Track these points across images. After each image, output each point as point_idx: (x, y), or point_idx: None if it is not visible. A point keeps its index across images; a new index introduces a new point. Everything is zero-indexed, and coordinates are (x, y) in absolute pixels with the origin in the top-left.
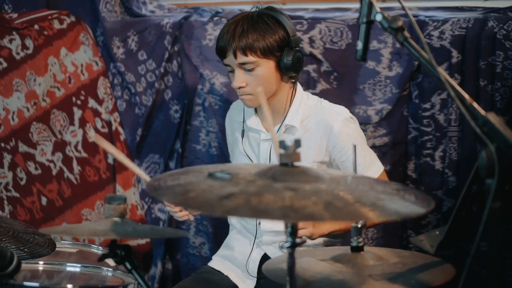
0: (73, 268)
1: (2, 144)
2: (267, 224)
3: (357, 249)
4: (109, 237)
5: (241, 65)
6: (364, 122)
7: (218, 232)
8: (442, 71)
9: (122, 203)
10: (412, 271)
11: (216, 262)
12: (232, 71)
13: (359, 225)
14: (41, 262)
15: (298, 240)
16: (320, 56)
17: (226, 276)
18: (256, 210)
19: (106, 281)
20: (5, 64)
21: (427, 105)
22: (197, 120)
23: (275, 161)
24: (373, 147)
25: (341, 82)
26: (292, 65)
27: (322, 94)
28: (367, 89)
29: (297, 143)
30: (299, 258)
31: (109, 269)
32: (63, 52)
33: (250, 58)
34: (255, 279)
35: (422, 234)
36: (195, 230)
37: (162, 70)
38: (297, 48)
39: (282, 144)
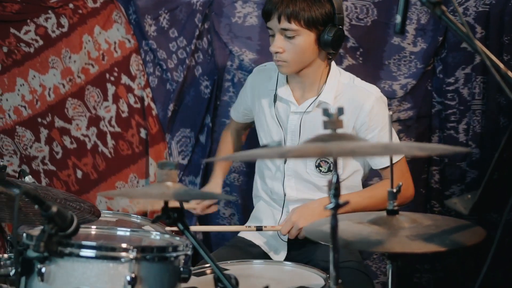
0: (124, 232)
1: (39, 119)
2: (292, 193)
3: (393, 212)
4: (163, 199)
5: (283, 30)
6: (389, 97)
7: (246, 204)
8: (478, 42)
9: (174, 169)
10: (445, 232)
11: (247, 233)
12: (273, 35)
13: (394, 190)
14: (93, 227)
15: (341, 202)
16: (346, 33)
17: (258, 245)
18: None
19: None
20: (41, 42)
21: (451, 80)
22: (227, 96)
23: (304, 135)
24: (398, 121)
25: (366, 58)
26: (332, 42)
27: (348, 70)
28: (392, 64)
29: (340, 111)
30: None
31: (157, 233)
32: (96, 30)
33: (293, 25)
34: (286, 248)
35: (455, 197)
36: (224, 202)
37: (192, 47)
38: (340, 27)
39: (326, 112)
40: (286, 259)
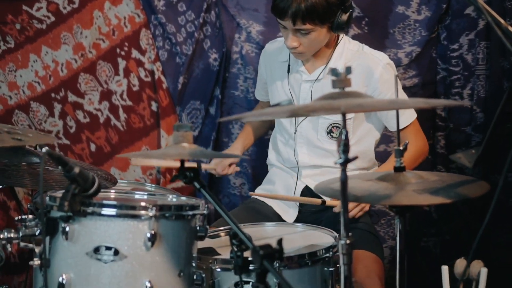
0: (141, 195)
1: (53, 95)
2: (304, 160)
3: (400, 169)
4: (180, 158)
5: (297, 30)
6: (394, 65)
7: (256, 173)
8: (480, 0)
9: (189, 130)
10: (451, 186)
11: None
12: (285, 28)
13: (401, 148)
14: (111, 191)
15: (350, 157)
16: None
17: (270, 206)
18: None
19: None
20: (53, 19)
21: (455, 46)
22: (235, 68)
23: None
24: (404, 88)
25: (372, 27)
26: (344, 26)
27: (354, 39)
28: (397, 33)
29: (348, 70)
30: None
31: (174, 195)
32: (107, 6)
33: (308, 26)
34: (297, 209)
35: (460, 152)
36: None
37: (201, 20)
38: (350, 10)
39: (334, 71)
40: (297, 219)
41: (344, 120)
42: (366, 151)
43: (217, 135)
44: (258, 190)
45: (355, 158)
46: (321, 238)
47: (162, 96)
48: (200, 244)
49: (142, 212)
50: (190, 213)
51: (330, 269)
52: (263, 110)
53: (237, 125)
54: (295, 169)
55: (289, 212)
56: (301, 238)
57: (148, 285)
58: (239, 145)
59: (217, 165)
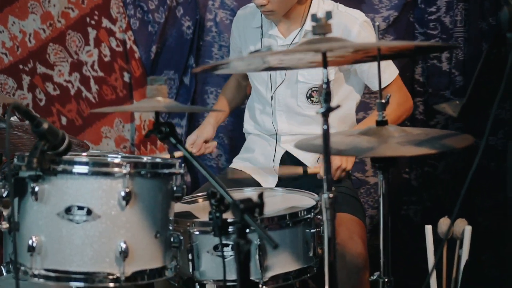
0: (115, 158)
1: (21, 66)
2: (284, 128)
3: (382, 123)
4: (156, 110)
5: None
6: None
7: (233, 144)
8: None
9: (163, 83)
10: (435, 138)
11: (237, 164)
12: None
13: (383, 101)
14: (83, 154)
15: (333, 105)
16: None
17: (249, 174)
18: None
19: None
20: None
21: (433, 9)
22: (209, 36)
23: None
24: None
25: None
26: None
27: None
28: None
29: (328, 15)
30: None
31: (149, 157)
32: None
33: None
34: (277, 176)
35: (444, 103)
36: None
37: None
38: None
39: (314, 17)
40: (277, 186)
41: (325, 61)
42: (347, 115)
43: (192, 104)
44: (236, 160)
45: (338, 106)
46: (301, 200)
47: (134, 66)
48: (177, 209)
49: (116, 169)
50: (166, 171)
51: (312, 230)
52: (238, 58)
53: (212, 95)
54: (274, 136)
55: (268, 180)
56: (281, 201)
57: (123, 246)
58: (212, 119)
59: (190, 145)
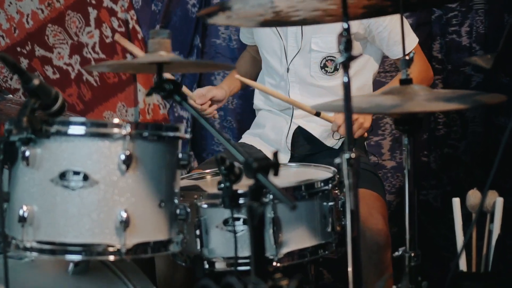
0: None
1: (18, 49)
2: (297, 100)
3: (407, 82)
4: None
5: None
6: None
7: (242, 127)
8: None
9: (166, 37)
10: (465, 96)
11: (247, 139)
12: None
13: (407, 58)
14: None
15: (355, 53)
16: None
17: (259, 150)
18: None
19: None
20: None
21: None
22: None
23: (307, 36)
24: None
25: None
26: None
27: None
28: None
29: None
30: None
31: None
32: None
33: None
34: (289, 153)
35: (475, 56)
36: (219, 127)
37: None
38: None
39: None
40: None
41: (345, 4)
42: (365, 85)
43: (198, 87)
44: (246, 135)
45: (360, 55)
46: (317, 174)
47: (138, 46)
48: (183, 184)
49: (115, 130)
50: (171, 134)
51: (330, 203)
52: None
53: (220, 76)
54: (287, 111)
55: (280, 157)
56: (296, 175)
57: (124, 215)
58: (225, 85)
59: (197, 96)
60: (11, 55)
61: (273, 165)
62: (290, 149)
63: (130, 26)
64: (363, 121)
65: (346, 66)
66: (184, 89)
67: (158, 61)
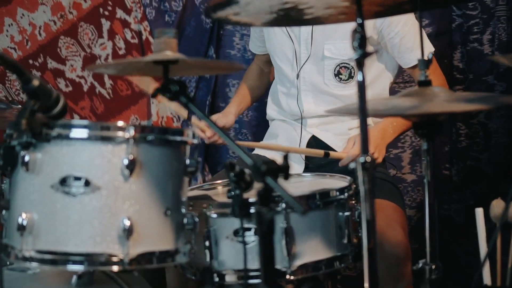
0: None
1: (31, 61)
2: (310, 109)
3: (425, 84)
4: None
5: None
6: None
7: (257, 139)
8: None
9: (172, 36)
10: (487, 97)
11: (260, 150)
12: None
13: (426, 58)
14: None
15: (370, 49)
16: None
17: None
18: None
19: None
20: None
21: None
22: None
23: (316, 42)
24: None
25: None
26: None
27: None
28: None
29: None
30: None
31: None
32: None
33: None
34: (303, 163)
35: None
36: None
37: None
38: None
39: None
40: None
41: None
42: (380, 94)
43: (212, 99)
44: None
45: (376, 51)
46: (333, 184)
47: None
48: (193, 193)
49: (118, 133)
50: (178, 139)
51: (346, 214)
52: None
53: (234, 88)
54: (300, 121)
55: (294, 167)
56: (310, 185)
57: (127, 223)
58: (233, 108)
59: (206, 127)
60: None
61: (283, 169)
62: (304, 159)
63: (144, 37)
64: (377, 157)
65: (360, 63)
66: (194, 120)
67: (163, 59)
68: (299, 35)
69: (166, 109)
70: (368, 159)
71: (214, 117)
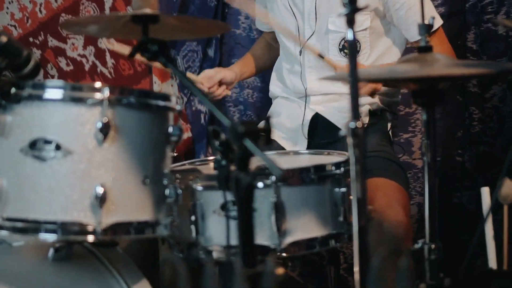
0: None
1: (31, 39)
2: (314, 86)
3: (426, 49)
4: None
5: None
6: None
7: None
8: None
9: None
10: (491, 64)
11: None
12: None
13: (427, 22)
14: None
15: (360, 5)
16: None
17: (274, 140)
18: None
19: None
20: None
21: None
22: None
23: (321, 18)
24: None
25: None
26: None
27: None
28: None
29: None
30: None
31: None
32: None
33: None
34: (306, 141)
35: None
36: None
37: None
38: None
39: None
40: None
41: None
42: None
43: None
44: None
45: (366, 7)
46: (330, 159)
47: None
48: (181, 167)
49: (92, 94)
50: (160, 103)
51: (342, 190)
52: None
53: None
54: (304, 98)
55: (296, 147)
56: (306, 160)
57: (100, 190)
58: (236, 67)
59: (205, 78)
60: (23, 45)
61: (263, 131)
62: (307, 137)
63: None
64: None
65: (351, 20)
66: (189, 74)
67: (141, 14)
68: (302, 9)
69: (169, 89)
70: (359, 124)
71: (213, 70)
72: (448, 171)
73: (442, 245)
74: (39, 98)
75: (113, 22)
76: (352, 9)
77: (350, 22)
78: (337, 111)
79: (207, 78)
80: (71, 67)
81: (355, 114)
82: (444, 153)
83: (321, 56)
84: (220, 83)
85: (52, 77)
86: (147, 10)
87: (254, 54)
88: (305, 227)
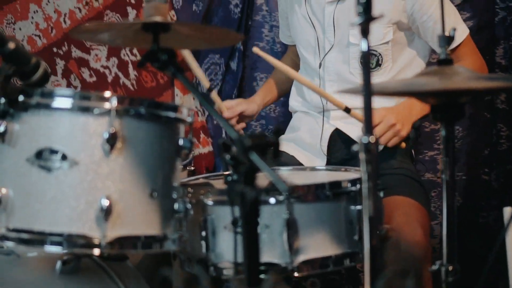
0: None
1: (55, 49)
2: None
3: (446, 62)
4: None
5: None
6: None
7: None
8: None
9: (163, 1)
10: None
11: (282, 144)
12: None
13: (447, 34)
14: None
15: (374, 15)
16: None
17: (292, 156)
18: None
19: None
20: None
21: None
22: (259, 15)
23: (339, 31)
24: None
25: None
26: None
27: None
28: None
29: None
30: None
31: None
32: None
33: None
34: (325, 158)
35: None
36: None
37: None
38: None
39: None
40: None
41: None
42: None
43: (239, 93)
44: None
45: (381, 16)
46: (347, 175)
47: None
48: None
49: (99, 104)
50: (171, 115)
51: (357, 207)
52: None
53: (262, 82)
54: (324, 113)
55: (315, 163)
56: (322, 176)
57: (106, 203)
58: (258, 97)
59: (227, 107)
60: (47, 55)
61: (272, 145)
62: (326, 153)
63: None
64: (400, 128)
65: (365, 30)
66: (214, 94)
67: (151, 22)
68: (323, 21)
69: (191, 102)
70: (372, 139)
71: (235, 101)
72: (474, 190)
73: (467, 266)
74: (47, 107)
75: (124, 30)
76: (366, 18)
77: (364, 32)
78: (357, 127)
79: (228, 108)
80: (94, 78)
81: (368, 128)
82: (470, 171)
83: (347, 110)
84: (241, 116)
85: (75, 88)
86: (158, 18)
87: (277, 78)
88: (318, 246)
